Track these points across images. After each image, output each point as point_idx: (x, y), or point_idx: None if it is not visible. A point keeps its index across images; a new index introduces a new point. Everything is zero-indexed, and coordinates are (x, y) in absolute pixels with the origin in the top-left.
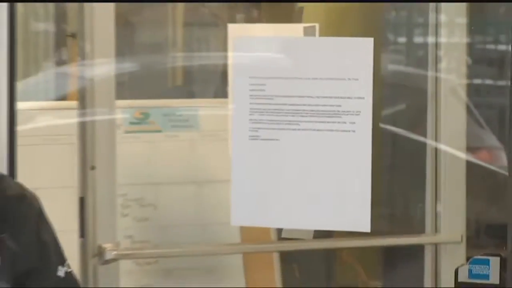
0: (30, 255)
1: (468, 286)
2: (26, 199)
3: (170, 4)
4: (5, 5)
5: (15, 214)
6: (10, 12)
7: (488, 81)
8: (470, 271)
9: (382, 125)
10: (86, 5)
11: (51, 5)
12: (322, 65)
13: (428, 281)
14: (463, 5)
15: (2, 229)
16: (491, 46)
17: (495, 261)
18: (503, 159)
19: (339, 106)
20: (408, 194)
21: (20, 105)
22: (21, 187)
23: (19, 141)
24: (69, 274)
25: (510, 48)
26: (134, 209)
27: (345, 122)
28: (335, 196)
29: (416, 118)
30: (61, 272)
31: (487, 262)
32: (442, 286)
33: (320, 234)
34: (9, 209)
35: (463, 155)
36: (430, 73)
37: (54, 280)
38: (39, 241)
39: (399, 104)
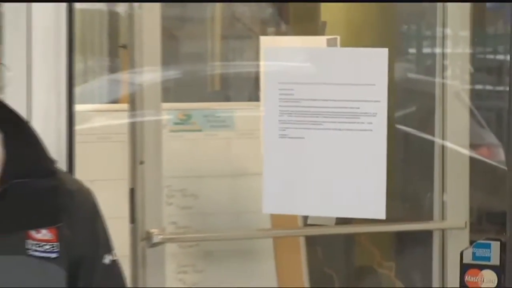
0: (82, 243)
1: (472, 267)
2: (82, 194)
3: (209, 19)
4: (64, 20)
5: (72, 206)
6: (69, 25)
7: (488, 87)
8: (473, 253)
9: (396, 125)
10: (136, 19)
11: (105, 19)
12: (343, 72)
13: (436, 262)
14: (467, 19)
15: (61, 218)
16: (491, 56)
17: (495, 245)
18: (501, 155)
19: (358, 108)
20: (418, 185)
21: (78, 107)
22: (78, 183)
23: (77, 139)
24: (114, 262)
25: (508, 58)
26: (177, 198)
27: (363, 122)
28: (354, 187)
29: (425, 119)
30: (106, 259)
31: (488, 246)
32: (448, 267)
33: (341, 221)
34: (68, 202)
35: (466, 151)
36: (437, 80)
37: (100, 267)
38: (90, 231)
39: (411, 107)
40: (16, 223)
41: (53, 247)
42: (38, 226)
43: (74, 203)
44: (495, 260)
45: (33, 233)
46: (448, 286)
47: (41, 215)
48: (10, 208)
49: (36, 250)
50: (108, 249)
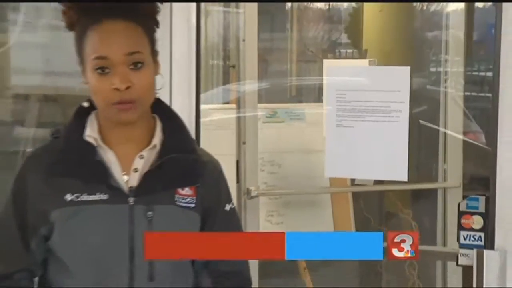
0: (211, 197)
1: (466, 213)
2: (212, 164)
3: (288, 49)
4: (193, 47)
5: (205, 172)
6: (197, 51)
7: (474, 93)
8: (467, 204)
9: (414, 119)
10: (241, 48)
11: (220, 48)
12: (379, 82)
13: (439, 210)
14: (461, 48)
15: (198, 180)
16: (476, 73)
17: (482, 199)
18: (483, 138)
19: (389, 107)
20: (428, 158)
21: (203, 106)
22: (210, 156)
23: (202, 127)
24: (232, 209)
25: (488, 74)
26: (267, 167)
27: (392, 116)
28: (386, 158)
29: (434, 114)
30: (227, 207)
31: (477, 199)
32: (448, 214)
33: (377, 182)
34: (203, 169)
35: (460, 136)
36: (441, 89)
37: (222, 212)
38: (216, 188)
39: (424, 106)
40: (169, 183)
41: (192, 199)
42: (183, 185)
43: (206, 170)
44: (482, 209)
45: (180, 190)
46: (448, 227)
47: (186, 178)
48: (166, 173)
49: (181, 202)
50: (229, 200)
